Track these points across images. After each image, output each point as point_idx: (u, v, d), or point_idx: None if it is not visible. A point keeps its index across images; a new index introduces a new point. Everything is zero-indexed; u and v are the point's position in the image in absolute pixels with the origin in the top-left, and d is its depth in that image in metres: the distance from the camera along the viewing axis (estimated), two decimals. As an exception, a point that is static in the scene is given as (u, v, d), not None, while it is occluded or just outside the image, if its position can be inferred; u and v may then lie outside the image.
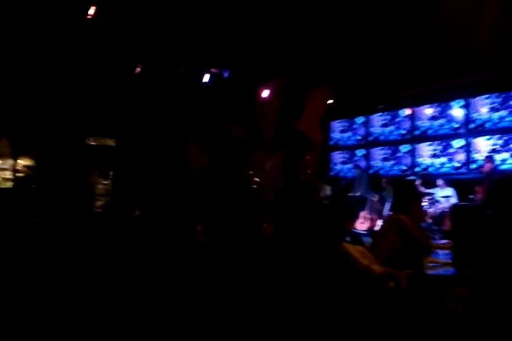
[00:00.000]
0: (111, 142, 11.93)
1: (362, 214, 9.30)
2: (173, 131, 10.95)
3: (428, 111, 10.11)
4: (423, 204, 5.71)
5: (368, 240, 4.76)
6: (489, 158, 8.31)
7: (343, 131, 12.03)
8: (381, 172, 10.75)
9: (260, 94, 10.77)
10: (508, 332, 2.10)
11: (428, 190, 8.86)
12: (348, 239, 3.96)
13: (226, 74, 10.55)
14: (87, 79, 9.74)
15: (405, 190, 4.18)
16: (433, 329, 2.49)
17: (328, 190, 11.51)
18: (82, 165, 10.76)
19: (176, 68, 10.07)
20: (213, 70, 10.55)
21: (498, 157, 8.75)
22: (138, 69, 9.93)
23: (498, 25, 7.65)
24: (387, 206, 8.81)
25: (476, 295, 2.22)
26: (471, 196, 8.05)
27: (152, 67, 9.99)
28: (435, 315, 2.56)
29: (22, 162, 10.56)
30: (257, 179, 10.65)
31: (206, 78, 10.50)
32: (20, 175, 9.98)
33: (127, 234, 4.02)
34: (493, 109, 9.06)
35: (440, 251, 4.32)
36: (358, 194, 9.96)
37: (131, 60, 9.84)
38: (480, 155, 9.02)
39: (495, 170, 8.16)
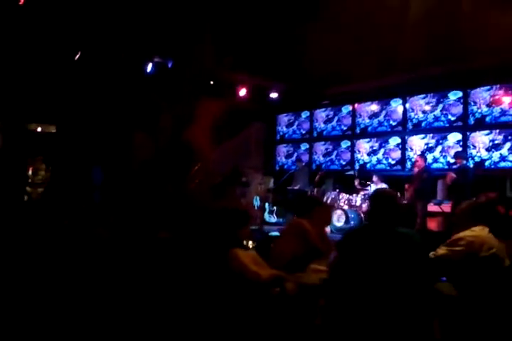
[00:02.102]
0: (53, 128, 11.69)
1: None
2: (117, 120, 10.73)
3: (368, 108, 10.29)
4: (328, 210, 5.69)
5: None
6: (421, 156, 8.54)
7: (288, 125, 12.11)
8: (322, 166, 10.91)
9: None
10: None
11: (362, 186, 9.07)
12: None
13: (170, 64, 10.41)
14: (29, 66, 9.42)
15: (307, 196, 4.28)
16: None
17: (271, 183, 11.63)
18: (22, 151, 10.47)
19: (119, 55, 9.86)
20: (157, 59, 10.39)
21: (430, 156, 9.01)
22: (78, 56, 9.67)
23: (431, 25, 7.79)
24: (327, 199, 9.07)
25: (327, 307, 2.29)
26: (399, 194, 8.24)
27: (94, 54, 9.74)
28: (303, 324, 2.63)
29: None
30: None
31: (149, 67, 10.32)
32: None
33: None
34: (428, 109, 9.29)
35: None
36: (297, 187, 10.07)
37: (74, 46, 9.57)
38: (414, 154, 9.26)
39: (426, 169, 8.38)
